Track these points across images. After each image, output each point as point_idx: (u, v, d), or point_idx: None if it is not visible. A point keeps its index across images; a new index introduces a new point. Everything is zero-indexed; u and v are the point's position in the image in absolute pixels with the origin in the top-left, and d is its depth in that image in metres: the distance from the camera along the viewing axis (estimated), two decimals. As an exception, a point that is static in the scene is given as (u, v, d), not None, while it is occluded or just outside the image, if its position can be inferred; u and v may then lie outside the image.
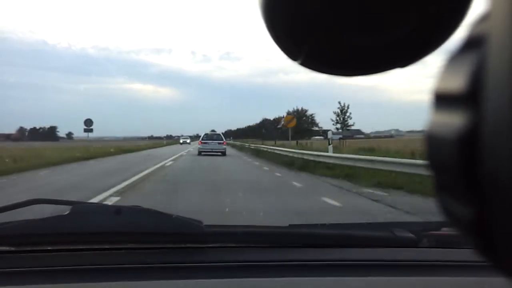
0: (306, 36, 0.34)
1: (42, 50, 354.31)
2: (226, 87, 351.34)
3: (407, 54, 0.34)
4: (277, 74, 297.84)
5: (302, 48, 0.35)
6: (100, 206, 1.19)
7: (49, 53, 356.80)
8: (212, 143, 26.97)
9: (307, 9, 0.32)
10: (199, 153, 26.75)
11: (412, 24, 0.32)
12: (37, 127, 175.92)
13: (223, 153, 26.41)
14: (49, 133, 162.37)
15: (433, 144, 0.26)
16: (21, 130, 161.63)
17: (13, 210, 1.14)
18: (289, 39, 0.35)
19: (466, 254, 1.08)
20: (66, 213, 1.10)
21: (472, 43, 0.24)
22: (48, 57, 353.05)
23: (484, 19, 0.24)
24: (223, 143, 27.47)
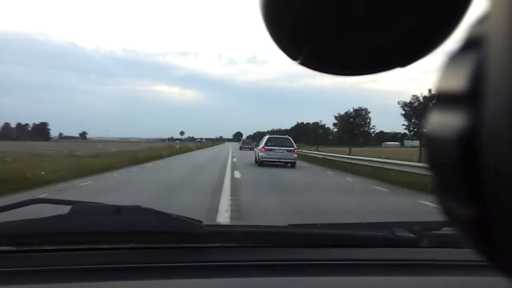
0: (306, 36, 0.34)
1: (71, 52, 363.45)
2: (251, 91, 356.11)
3: (407, 54, 0.34)
4: (302, 78, 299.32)
5: (302, 48, 0.35)
6: (100, 206, 1.20)
7: (78, 55, 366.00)
8: (280, 151, 20.11)
9: (307, 9, 0.32)
10: (260, 164, 20.31)
11: (411, 24, 0.32)
12: (23, 123, 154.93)
13: (293, 164, 20.19)
14: (39, 131, 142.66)
15: (433, 144, 0.26)
16: (6, 127, 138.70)
17: (13, 210, 1.14)
18: (289, 39, 0.35)
19: (466, 254, 1.07)
20: (66, 212, 1.10)
21: (472, 44, 0.24)
22: (77, 59, 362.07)
23: (483, 19, 0.24)
24: (293, 150, 20.54)
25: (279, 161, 20.03)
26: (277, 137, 22.80)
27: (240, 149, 45.42)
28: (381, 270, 1.11)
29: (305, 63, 0.35)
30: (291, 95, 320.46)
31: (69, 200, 1.16)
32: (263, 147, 20.63)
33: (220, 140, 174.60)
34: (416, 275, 1.09)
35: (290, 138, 21.82)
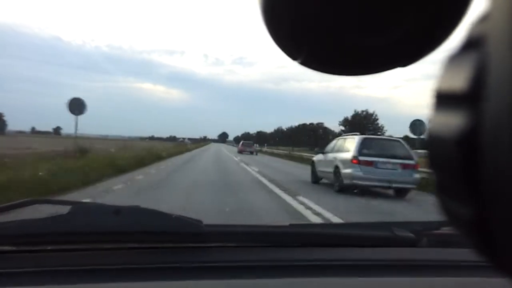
0: (306, 36, 0.34)
1: (56, 46, 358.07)
2: (237, 92, 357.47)
3: (407, 54, 0.34)
4: (288, 81, 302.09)
5: (302, 48, 0.35)
6: (99, 206, 1.19)
7: (63, 49, 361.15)
8: (388, 165, 10.60)
9: (307, 9, 0.32)
10: (341, 189, 10.78)
11: (411, 24, 0.32)
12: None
13: (402, 194, 10.92)
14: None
15: (434, 144, 0.26)
16: None
17: (13, 210, 1.14)
18: (289, 39, 0.35)
19: (466, 254, 1.08)
20: (65, 213, 1.10)
21: (473, 43, 0.24)
22: (63, 53, 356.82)
23: (484, 18, 0.24)
24: (414, 166, 10.66)
25: (390, 184, 10.52)
26: (380, 138, 12.03)
27: (240, 152, 39.85)
28: (381, 270, 1.11)
29: (305, 63, 0.36)
30: (277, 98, 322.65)
31: (69, 200, 1.16)
32: (354, 158, 10.68)
33: (204, 141, 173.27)
34: (416, 275, 1.09)
35: (403, 142, 11.48)
